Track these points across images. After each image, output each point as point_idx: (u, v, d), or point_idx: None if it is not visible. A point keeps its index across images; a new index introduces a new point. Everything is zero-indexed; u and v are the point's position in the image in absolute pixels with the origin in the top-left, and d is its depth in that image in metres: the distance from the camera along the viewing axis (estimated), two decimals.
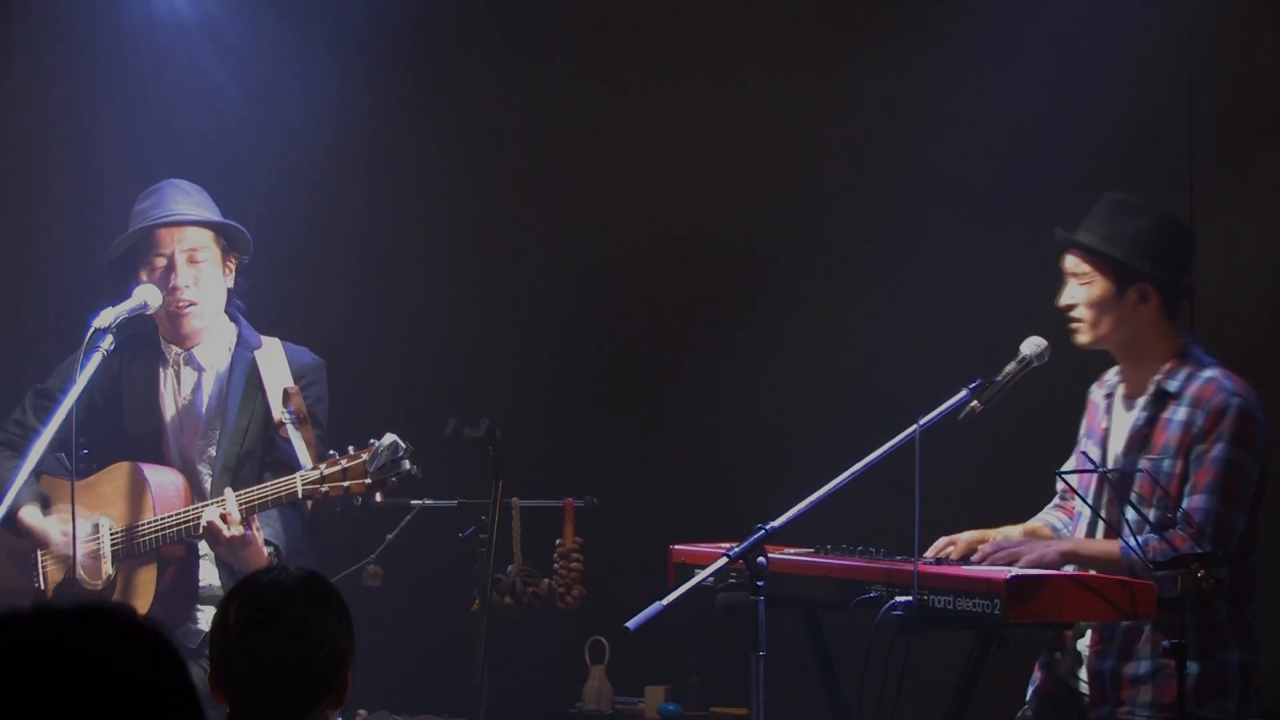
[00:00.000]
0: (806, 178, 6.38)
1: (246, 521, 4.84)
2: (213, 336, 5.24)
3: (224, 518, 4.82)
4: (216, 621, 2.94)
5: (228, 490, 4.88)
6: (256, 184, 6.25)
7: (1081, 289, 4.67)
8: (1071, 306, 4.68)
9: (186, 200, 5.20)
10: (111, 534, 5.02)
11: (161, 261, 5.14)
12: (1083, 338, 4.69)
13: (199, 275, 5.15)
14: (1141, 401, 4.64)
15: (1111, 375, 4.81)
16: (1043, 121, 6.01)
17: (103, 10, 6.50)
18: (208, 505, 4.89)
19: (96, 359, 4.89)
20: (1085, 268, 4.66)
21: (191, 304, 5.15)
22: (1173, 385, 4.59)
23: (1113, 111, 5.94)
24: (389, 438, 4.77)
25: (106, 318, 4.94)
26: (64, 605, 1.79)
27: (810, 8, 6.40)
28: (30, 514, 5.05)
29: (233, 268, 5.24)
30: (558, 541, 6.03)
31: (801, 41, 6.37)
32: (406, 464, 4.77)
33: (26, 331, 6.36)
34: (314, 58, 6.54)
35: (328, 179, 6.58)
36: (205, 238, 5.17)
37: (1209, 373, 4.59)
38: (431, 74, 6.67)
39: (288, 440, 4.91)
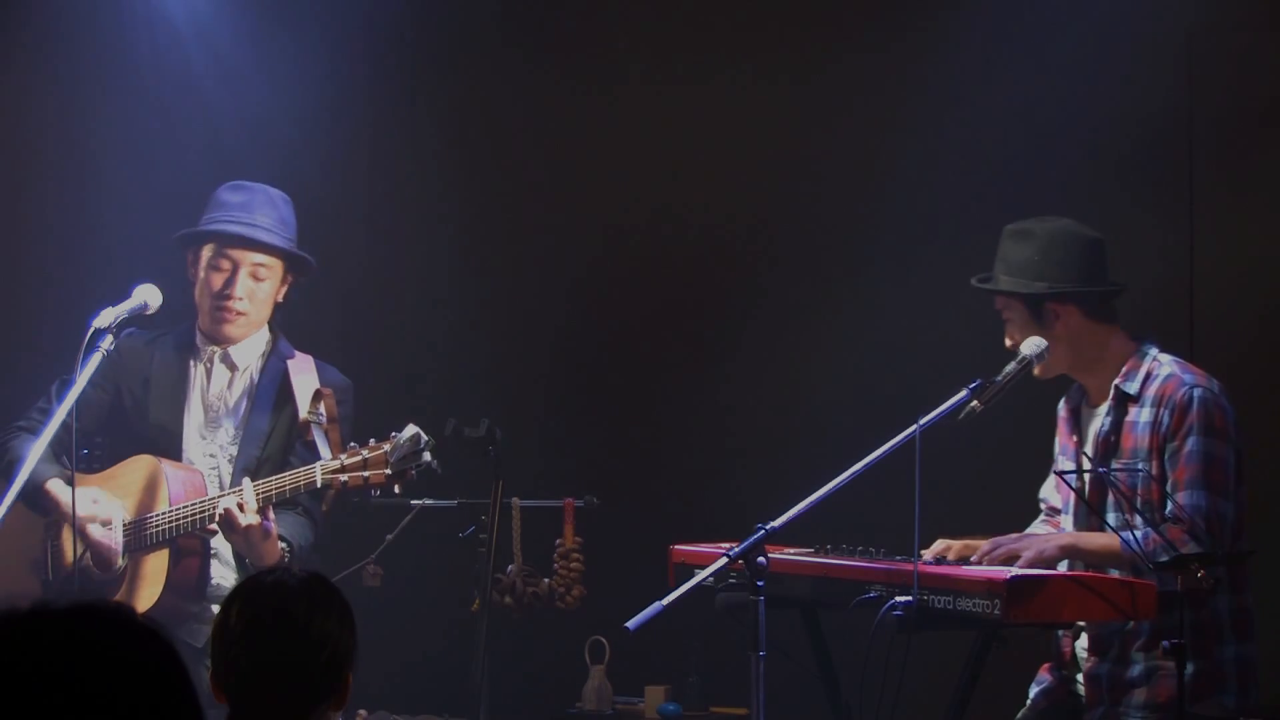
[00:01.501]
0: (806, 177, 6.38)
1: (263, 512, 4.84)
2: (250, 340, 5.28)
3: (240, 506, 4.82)
4: (218, 621, 2.94)
5: (245, 479, 4.88)
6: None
7: (1013, 326, 4.71)
8: (1014, 346, 4.71)
9: (272, 214, 5.23)
10: (124, 525, 5.03)
11: (226, 265, 5.18)
12: (1035, 372, 4.71)
13: (256, 292, 5.20)
14: (1104, 407, 4.65)
15: (1076, 390, 4.82)
16: (1043, 121, 6.01)
17: (103, 14, 6.50)
18: (225, 495, 4.89)
19: (96, 359, 4.89)
20: (1004, 305, 4.73)
21: (239, 315, 5.20)
22: (1131, 387, 4.60)
23: (1113, 111, 5.94)
24: (410, 429, 4.78)
25: (106, 318, 4.94)
26: (62, 604, 1.79)
27: (810, 8, 6.40)
28: (57, 486, 5.05)
29: (288, 285, 5.29)
30: (558, 541, 6.03)
31: (802, 41, 6.37)
32: (427, 456, 4.78)
33: (26, 331, 6.35)
34: (313, 63, 6.54)
35: (326, 181, 6.57)
36: (274, 257, 5.20)
37: (1166, 369, 4.59)
38: (430, 77, 6.67)
39: (310, 442, 4.92)
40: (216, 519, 4.86)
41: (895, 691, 4.17)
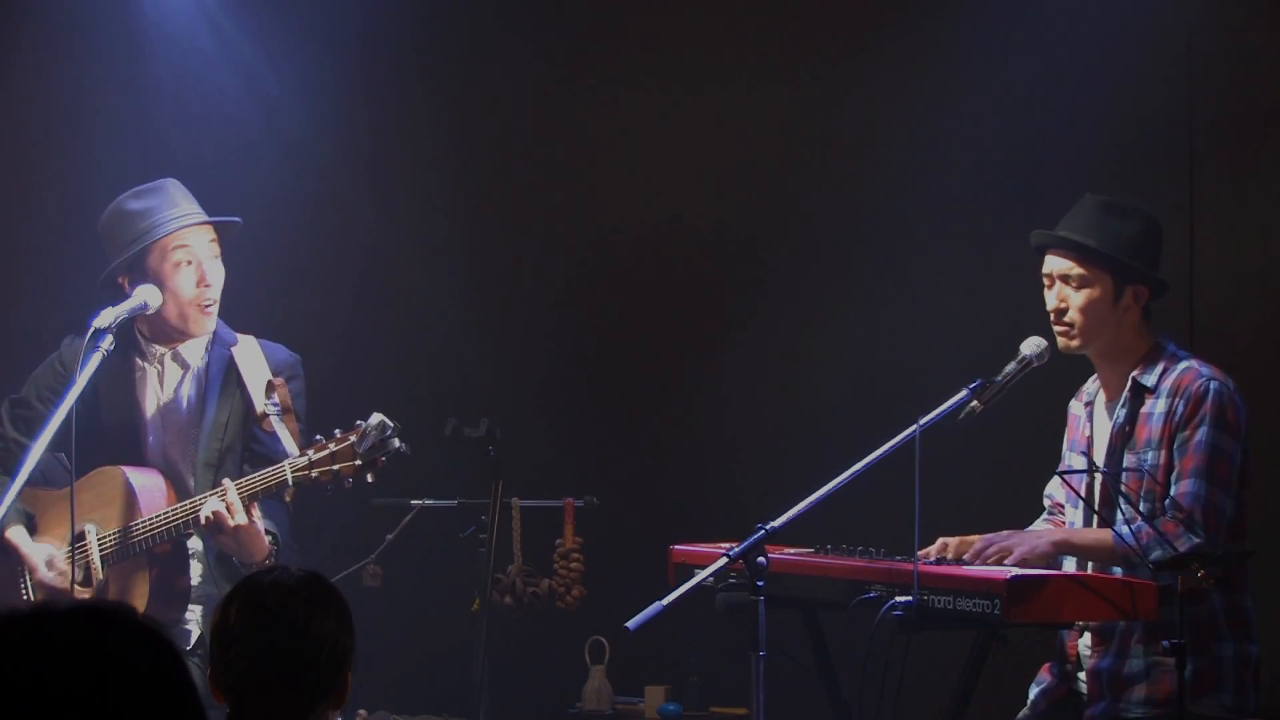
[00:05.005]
0: (806, 176, 6.38)
1: (247, 510, 4.84)
2: None
3: (229, 508, 4.81)
4: (217, 621, 2.93)
5: (226, 480, 4.87)
6: (256, 187, 6.25)
7: (1077, 293, 4.64)
8: (1063, 310, 4.67)
9: (189, 199, 5.20)
10: (99, 539, 5.01)
11: (190, 260, 5.12)
12: (1074, 343, 4.67)
13: (220, 273, 5.17)
14: (1120, 400, 4.65)
15: (1090, 385, 4.82)
16: (1043, 120, 6.01)
17: (103, 14, 6.50)
18: (207, 497, 4.88)
19: (96, 358, 4.88)
20: (1079, 270, 4.64)
21: (214, 301, 5.16)
22: (1149, 380, 4.60)
23: (1113, 111, 5.94)
24: (376, 417, 4.75)
25: (106, 318, 4.93)
26: (63, 605, 1.79)
27: (809, 8, 6.40)
28: (17, 535, 5.05)
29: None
30: (558, 541, 6.04)
31: (801, 41, 6.37)
32: (396, 442, 4.75)
33: (26, 333, 6.35)
34: (314, 62, 6.54)
35: (327, 182, 6.58)
36: (214, 234, 5.19)
37: (1184, 363, 4.60)
38: (431, 77, 6.67)
39: (271, 432, 4.91)
40: (204, 521, 4.85)
41: (895, 691, 4.17)
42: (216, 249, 5.16)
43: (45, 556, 5.04)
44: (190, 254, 5.12)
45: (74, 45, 6.52)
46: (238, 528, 4.82)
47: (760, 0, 6.49)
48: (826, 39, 6.34)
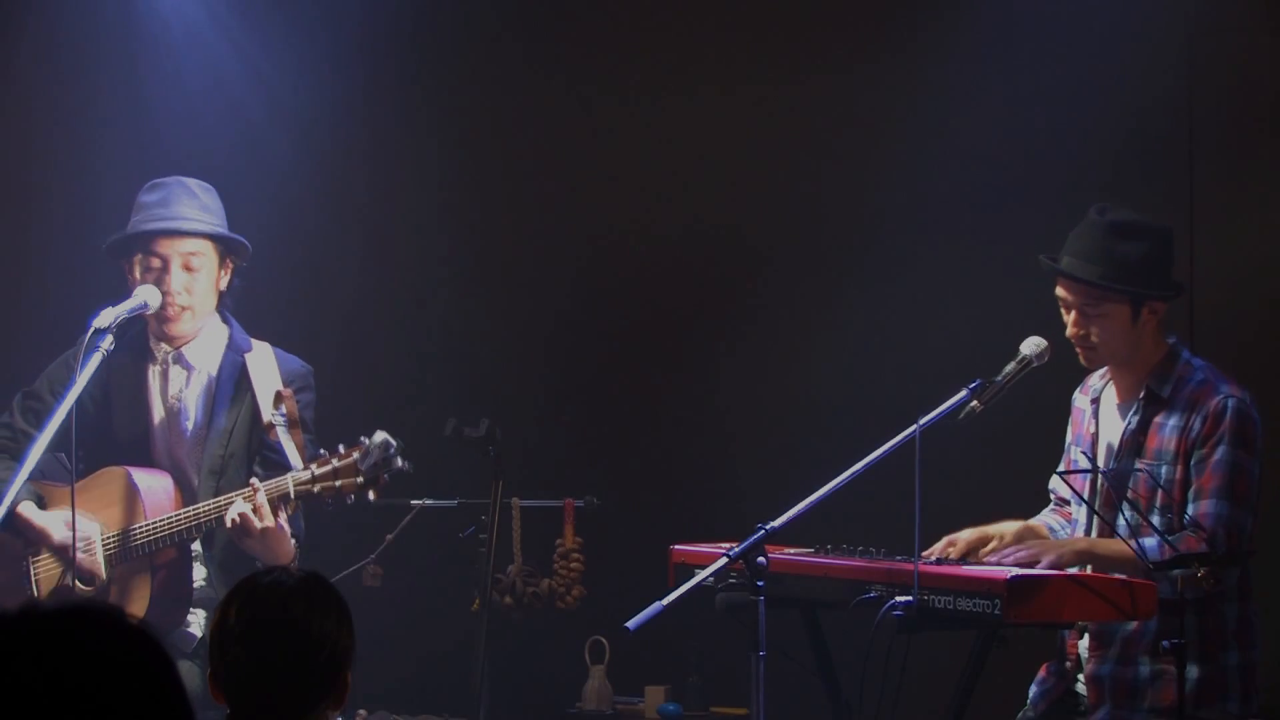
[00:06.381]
0: (807, 177, 6.38)
1: (276, 513, 4.83)
2: (204, 336, 5.23)
3: (257, 510, 4.81)
4: (216, 622, 2.93)
5: (255, 481, 4.86)
6: (257, 186, 6.24)
7: (1095, 321, 4.61)
8: (1084, 336, 4.63)
9: (192, 203, 5.18)
10: (104, 539, 5.00)
11: (157, 263, 5.12)
12: (1098, 364, 4.68)
13: (193, 282, 5.14)
14: (1132, 406, 4.63)
15: (1095, 380, 4.80)
16: (1043, 121, 6.01)
17: (104, 15, 6.50)
18: (234, 498, 4.86)
19: (96, 359, 4.88)
20: (1094, 300, 4.60)
21: (183, 309, 5.15)
22: (1163, 389, 4.58)
23: (1113, 112, 5.94)
24: (380, 435, 4.76)
25: (106, 318, 4.93)
26: (51, 605, 1.79)
27: (810, 12, 6.40)
28: (29, 509, 5.03)
29: (229, 270, 5.24)
30: (558, 541, 6.04)
31: (803, 44, 6.37)
32: (399, 461, 4.76)
33: (27, 332, 6.35)
34: (317, 59, 6.54)
35: (328, 181, 6.58)
36: (204, 244, 5.17)
37: (1200, 375, 4.58)
38: (434, 75, 6.67)
39: (278, 442, 4.91)
40: (230, 524, 4.84)
41: (895, 691, 4.17)
42: (201, 260, 5.14)
43: (57, 522, 5.02)
44: (160, 260, 5.12)
45: (74, 45, 6.52)
46: (265, 530, 4.81)
47: (762, 4, 6.49)
48: (828, 41, 6.34)
